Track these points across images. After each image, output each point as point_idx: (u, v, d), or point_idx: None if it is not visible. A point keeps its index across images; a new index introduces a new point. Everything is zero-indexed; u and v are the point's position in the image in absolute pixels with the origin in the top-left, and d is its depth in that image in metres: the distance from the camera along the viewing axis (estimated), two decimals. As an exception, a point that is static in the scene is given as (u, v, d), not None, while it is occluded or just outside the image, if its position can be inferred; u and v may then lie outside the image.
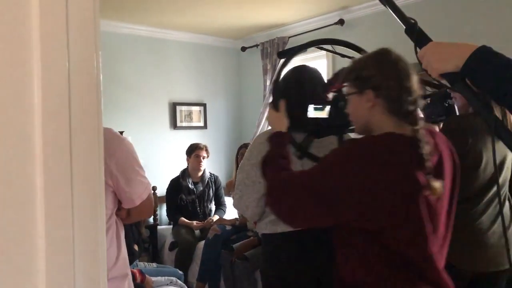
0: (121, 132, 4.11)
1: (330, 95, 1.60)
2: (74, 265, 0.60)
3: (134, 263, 3.12)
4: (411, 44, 1.06)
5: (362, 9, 3.99)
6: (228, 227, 3.68)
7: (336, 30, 4.15)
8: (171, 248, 3.92)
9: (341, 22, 4.14)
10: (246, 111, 5.30)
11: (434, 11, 3.48)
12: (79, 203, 0.61)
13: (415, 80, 1.19)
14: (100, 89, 0.65)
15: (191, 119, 4.92)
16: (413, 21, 1.07)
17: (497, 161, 1.82)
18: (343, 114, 1.33)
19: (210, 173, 4.24)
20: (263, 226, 1.74)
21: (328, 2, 3.90)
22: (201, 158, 4.07)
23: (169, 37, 4.72)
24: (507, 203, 1.92)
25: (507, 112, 1.74)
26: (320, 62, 4.25)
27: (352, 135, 1.49)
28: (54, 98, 0.59)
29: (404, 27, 1.08)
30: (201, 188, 4.10)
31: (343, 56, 1.93)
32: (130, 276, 1.50)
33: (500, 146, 1.11)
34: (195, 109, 4.95)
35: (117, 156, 1.35)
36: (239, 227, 3.68)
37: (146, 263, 3.45)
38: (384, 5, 1.14)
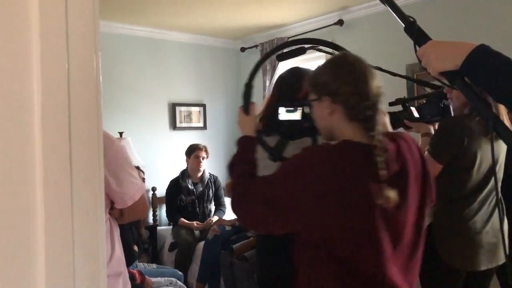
0: (121, 133, 4.12)
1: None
2: (74, 265, 0.60)
3: (134, 264, 3.12)
4: (410, 44, 1.06)
5: (362, 9, 3.99)
6: (228, 228, 3.68)
7: (336, 30, 4.14)
8: (171, 249, 3.92)
9: (340, 22, 4.13)
10: (246, 112, 5.29)
11: (434, 11, 3.48)
12: (79, 203, 0.61)
13: (374, 84, 1.14)
14: (100, 90, 0.65)
15: (190, 120, 4.92)
16: (412, 20, 1.07)
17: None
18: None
19: (210, 174, 4.24)
20: None
21: (327, 2, 3.90)
22: (201, 158, 4.07)
23: (169, 37, 4.72)
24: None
25: (500, 111, 1.75)
26: (320, 63, 4.24)
27: None
28: (54, 99, 0.59)
29: (403, 26, 1.08)
30: (201, 189, 4.10)
31: None
32: (125, 275, 1.51)
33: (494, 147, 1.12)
34: (195, 109, 4.95)
35: (108, 157, 1.35)
36: (238, 228, 3.68)
37: (146, 264, 3.45)
38: (383, 3, 1.14)
